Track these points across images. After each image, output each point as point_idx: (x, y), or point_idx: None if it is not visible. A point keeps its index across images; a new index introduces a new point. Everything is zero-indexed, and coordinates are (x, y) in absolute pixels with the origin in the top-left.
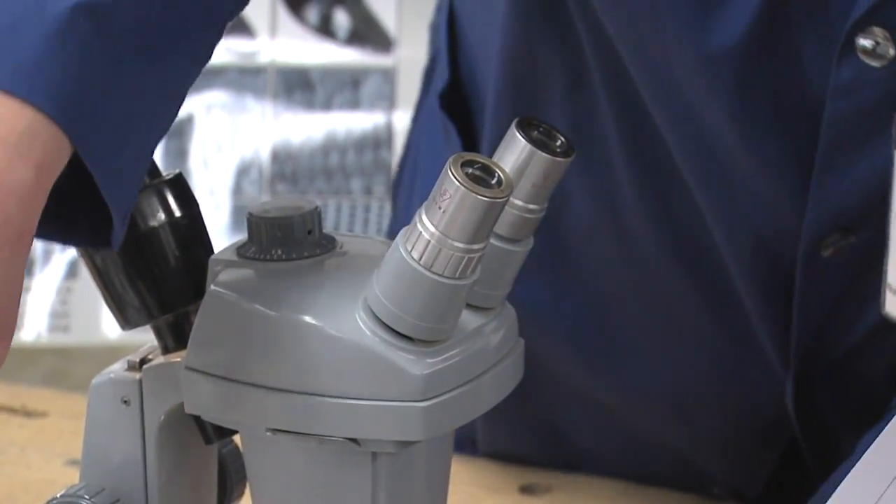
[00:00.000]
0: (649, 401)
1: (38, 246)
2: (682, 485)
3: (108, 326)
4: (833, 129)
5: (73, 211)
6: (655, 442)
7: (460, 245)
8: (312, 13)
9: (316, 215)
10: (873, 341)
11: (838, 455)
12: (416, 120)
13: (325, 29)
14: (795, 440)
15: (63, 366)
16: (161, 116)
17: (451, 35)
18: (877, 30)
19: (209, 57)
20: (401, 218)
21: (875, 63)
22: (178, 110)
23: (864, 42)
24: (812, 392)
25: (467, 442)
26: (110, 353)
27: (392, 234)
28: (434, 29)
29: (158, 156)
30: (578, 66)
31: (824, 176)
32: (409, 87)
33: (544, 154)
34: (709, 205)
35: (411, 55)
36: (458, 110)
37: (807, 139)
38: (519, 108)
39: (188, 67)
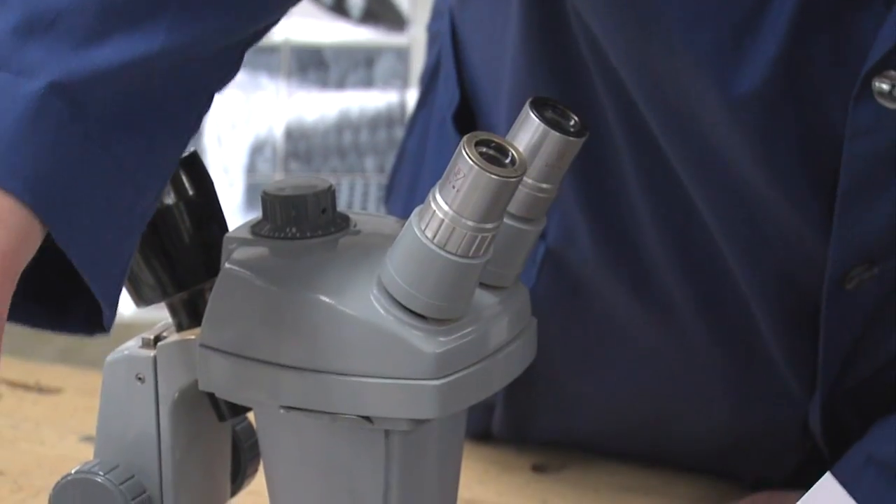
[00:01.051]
0: (668, 426)
1: None
2: (698, 467)
3: (123, 304)
4: (852, 168)
5: (66, 297)
6: (672, 434)
7: (473, 224)
8: None
9: (330, 194)
10: None
11: None
12: (412, 129)
13: (339, 8)
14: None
15: (77, 342)
16: (146, 190)
17: (455, 53)
18: (893, 73)
19: (197, 127)
20: None
21: (891, 105)
22: (164, 182)
23: (881, 85)
24: (838, 412)
25: (481, 432)
26: (125, 330)
27: None
28: (432, 36)
29: None
30: (592, 107)
31: (846, 214)
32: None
33: (558, 133)
34: (731, 243)
35: (425, 34)
36: (467, 130)
37: (830, 177)
38: None
39: (173, 139)
